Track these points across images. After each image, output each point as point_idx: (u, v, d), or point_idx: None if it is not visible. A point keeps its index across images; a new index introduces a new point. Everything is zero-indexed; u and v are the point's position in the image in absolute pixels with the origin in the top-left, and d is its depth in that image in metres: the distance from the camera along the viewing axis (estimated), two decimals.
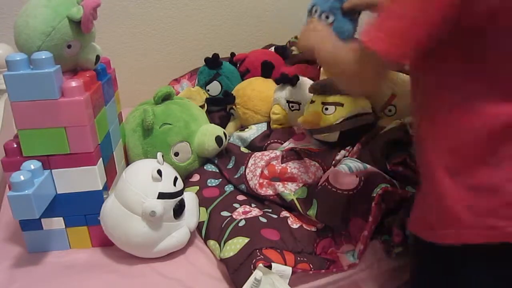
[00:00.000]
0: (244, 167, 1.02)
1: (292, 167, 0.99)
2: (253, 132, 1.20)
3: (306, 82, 1.14)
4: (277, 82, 1.17)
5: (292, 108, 1.14)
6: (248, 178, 0.99)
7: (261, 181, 0.98)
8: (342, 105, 1.02)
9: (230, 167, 1.06)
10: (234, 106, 1.25)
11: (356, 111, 1.03)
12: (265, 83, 1.27)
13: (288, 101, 1.13)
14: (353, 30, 1.06)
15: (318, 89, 1.05)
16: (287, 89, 1.15)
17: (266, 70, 1.30)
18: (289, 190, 0.94)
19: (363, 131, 1.03)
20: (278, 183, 0.96)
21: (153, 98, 1.07)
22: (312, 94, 1.08)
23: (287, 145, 1.09)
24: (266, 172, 0.99)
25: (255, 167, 0.99)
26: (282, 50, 1.42)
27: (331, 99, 1.02)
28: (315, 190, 0.91)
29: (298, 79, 1.13)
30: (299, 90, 1.13)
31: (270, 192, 0.96)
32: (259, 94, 1.21)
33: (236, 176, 1.02)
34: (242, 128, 1.25)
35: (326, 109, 1.02)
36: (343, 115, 1.02)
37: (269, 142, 1.12)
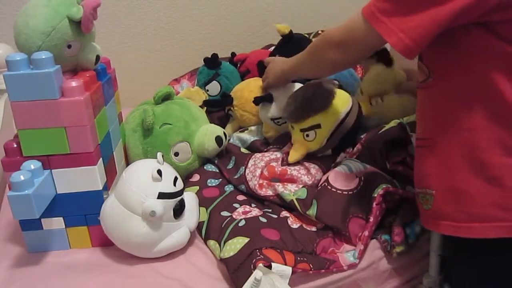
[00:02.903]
0: (244, 167, 1.02)
1: (292, 168, 0.99)
2: (253, 133, 1.20)
3: (281, 95, 1.11)
4: (255, 104, 1.15)
5: (279, 123, 1.12)
6: (248, 179, 0.99)
7: (260, 181, 0.98)
8: (319, 126, 0.98)
9: (230, 167, 1.06)
10: (232, 108, 1.25)
11: (335, 123, 0.99)
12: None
13: (272, 119, 1.12)
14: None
15: (289, 117, 1.01)
16: (268, 108, 1.12)
17: (262, 70, 1.29)
18: (289, 191, 0.93)
19: (354, 130, 1.02)
20: (278, 183, 0.96)
21: (153, 98, 1.07)
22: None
23: (287, 149, 1.08)
24: (265, 172, 0.99)
25: (255, 168, 0.99)
26: None
27: (306, 123, 0.99)
28: (315, 191, 0.91)
29: (272, 96, 1.11)
30: (277, 106, 1.10)
31: (270, 192, 0.96)
32: (256, 96, 1.20)
33: (236, 177, 1.02)
34: (241, 129, 1.25)
35: (307, 135, 1.00)
36: (324, 135, 0.99)
37: (269, 148, 1.12)
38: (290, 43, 1.22)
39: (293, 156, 1.00)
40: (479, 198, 0.65)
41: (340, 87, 1.09)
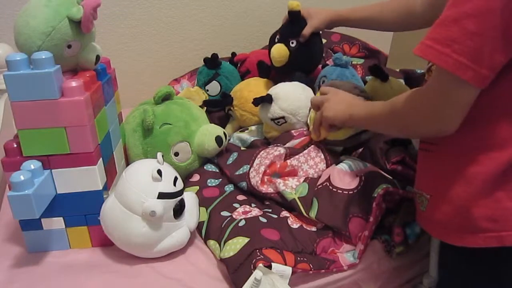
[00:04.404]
0: (249, 166, 1.01)
1: (292, 159, 0.99)
2: (253, 133, 1.20)
3: (280, 95, 1.10)
4: (254, 105, 1.14)
5: (279, 123, 1.12)
6: (251, 176, 0.99)
7: (262, 177, 0.98)
8: None
9: (230, 162, 1.06)
10: (232, 108, 1.25)
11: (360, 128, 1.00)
12: (263, 83, 1.26)
13: (272, 119, 1.12)
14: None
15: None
16: (268, 108, 1.12)
17: (262, 70, 1.29)
18: (290, 188, 0.93)
19: (364, 143, 1.03)
20: (279, 180, 0.95)
21: (153, 98, 1.07)
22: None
23: (291, 144, 1.07)
24: (267, 170, 0.99)
25: (259, 166, 0.99)
26: None
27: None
28: (315, 189, 0.91)
29: (271, 97, 1.10)
30: (276, 107, 1.10)
31: (271, 190, 0.96)
32: (256, 95, 1.19)
33: (237, 173, 1.02)
34: (241, 129, 1.25)
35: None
36: (349, 133, 0.99)
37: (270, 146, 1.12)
38: (293, 25, 1.19)
39: (314, 134, 1.00)
40: (470, 210, 0.65)
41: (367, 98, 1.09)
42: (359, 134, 1.01)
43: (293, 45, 1.18)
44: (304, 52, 1.18)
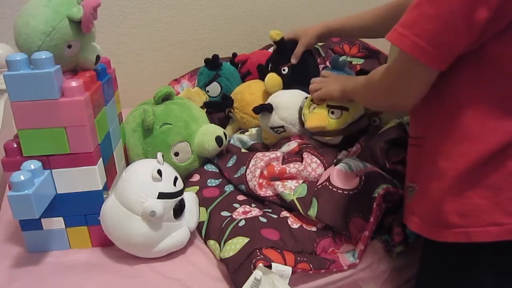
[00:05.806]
0: (245, 167, 1.01)
1: (291, 167, 0.99)
2: (253, 137, 1.20)
3: (281, 105, 1.10)
4: (255, 113, 1.14)
5: (278, 132, 1.12)
6: (248, 179, 0.99)
7: (260, 181, 0.98)
8: (347, 109, 1.01)
9: (230, 165, 1.06)
10: (232, 110, 1.25)
11: (358, 115, 1.03)
12: (264, 86, 1.25)
13: (272, 128, 1.12)
14: None
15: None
16: (268, 117, 1.11)
17: (262, 73, 1.28)
18: (289, 189, 0.93)
19: (361, 133, 1.04)
20: (277, 182, 0.96)
21: (153, 98, 1.07)
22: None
23: (286, 148, 1.08)
24: (265, 172, 0.99)
25: (255, 168, 0.99)
26: None
27: (337, 101, 1.01)
28: (315, 189, 0.91)
29: (272, 106, 1.10)
30: (277, 116, 1.10)
31: (269, 192, 0.96)
32: (257, 98, 1.19)
33: (236, 176, 1.02)
34: (241, 130, 1.25)
35: (332, 112, 1.01)
36: (348, 120, 1.01)
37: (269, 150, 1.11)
38: (281, 52, 1.21)
39: (313, 121, 1.01)
40: (442, 205, 0.66)
41: None
42: (357, 121, 1.02)
43: (284, 72, 1.19)
44: (297, 74, 1.19)
